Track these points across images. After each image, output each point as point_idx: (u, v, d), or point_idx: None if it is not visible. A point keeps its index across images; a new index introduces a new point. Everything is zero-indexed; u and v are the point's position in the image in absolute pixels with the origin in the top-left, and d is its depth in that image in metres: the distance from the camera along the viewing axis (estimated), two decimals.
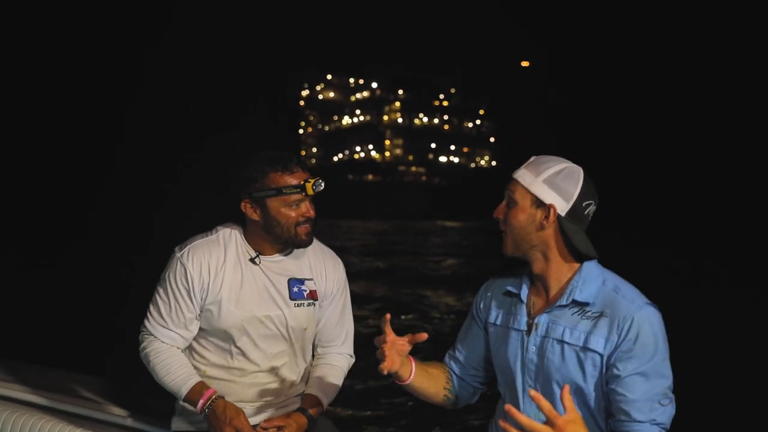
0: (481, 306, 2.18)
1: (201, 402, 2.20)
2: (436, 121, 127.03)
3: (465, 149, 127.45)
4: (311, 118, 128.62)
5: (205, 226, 2.43)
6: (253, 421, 2.26)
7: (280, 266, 2.34)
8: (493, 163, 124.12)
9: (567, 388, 1.57)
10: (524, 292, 2.04)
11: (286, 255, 2.35)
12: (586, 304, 1.91)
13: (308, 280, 2.36)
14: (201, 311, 2.30)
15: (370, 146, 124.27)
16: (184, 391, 2.23)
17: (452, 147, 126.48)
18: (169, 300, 2.28)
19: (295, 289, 2.33)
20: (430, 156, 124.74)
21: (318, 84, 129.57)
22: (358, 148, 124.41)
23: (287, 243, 2.30)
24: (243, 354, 2.31)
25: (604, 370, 1.87)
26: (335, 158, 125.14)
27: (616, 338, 1.85)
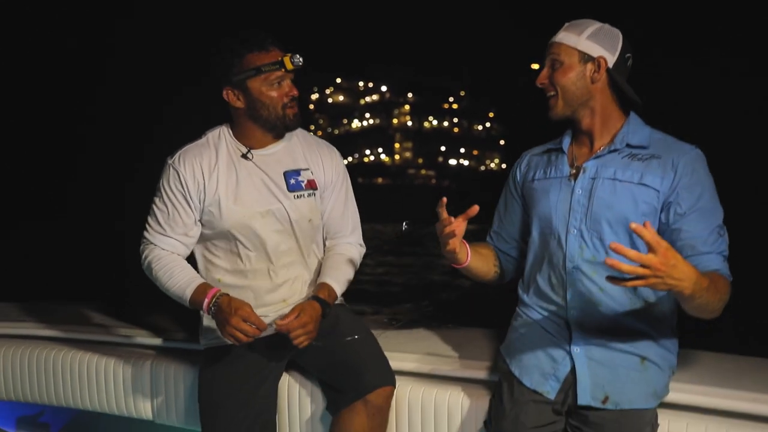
0: (518, 176, 2.21)
1: (206, 301, 2.14)
2: (445, 123, 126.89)
3: (475, 152, 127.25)
4: (321, 121, 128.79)
5: None
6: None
7: (274, 159, 2.31)
8: (503, 165, 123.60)
9: (648, 222, 1.59)
10: (565, 144, 2.09)
11: (277, 148, 2.33)
12: (641, 147, 1.97)
13: (304, 170, 2.33)
14: (202, 216, 2.27)
15: (380, 149, 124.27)
16: (188, 293, 2.18)
17: (462, 150, 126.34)
18: (166, 207, 2.26)
19: (292, 181, 2.29)
20: (440, 159, 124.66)
21: (327, 87, 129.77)
22: (367, 152, 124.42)
23: (275, 126, 2.27)
24: (252, 253, 2.29)
25: (660, 210, 1.92)
26: (345, 161, 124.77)
27: (672, 175, 1.90)
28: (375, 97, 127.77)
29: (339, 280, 2.35)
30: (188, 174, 2.25)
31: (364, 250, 2.50)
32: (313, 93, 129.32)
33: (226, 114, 2.32)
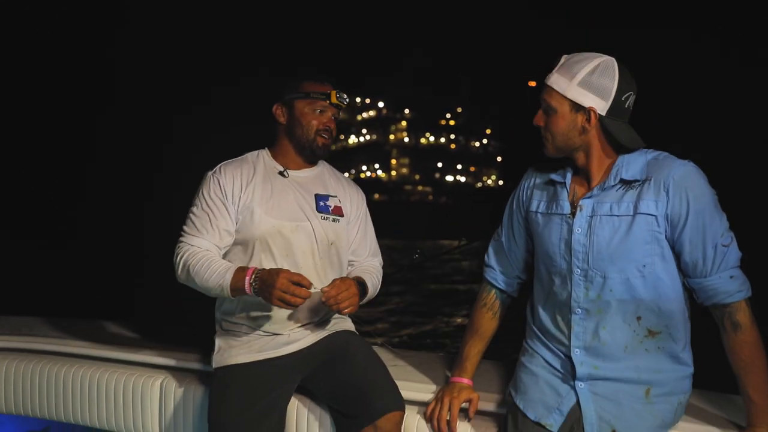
0: (524, 197, 2.18)
1: (247, 279, 2.16)
2: (442, 140, 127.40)
3: (472, 168, 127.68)
4: None
5: None
6: (291, 348, 2.34)
7: (307, 180, 2.47)
8: (500, 182, 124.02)
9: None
10: (568, 180, 2.05)
11: (311, 173, 2.50)
12: (635, 180, 1.93)
13: (332, 197, 2.48)
14: (236, 223, 2.36)
15: (377, 165, 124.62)
16: (228, 277, 2.19)
17: (459, 166, 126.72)
18: (205, 213, 2.35)
19: (321, 204, 2.44)
20: (437, 175, 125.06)
21: None
22: (364, 168, 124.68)
23: (304, 148, 2.44)
24: (275, 266, 2.32)
25: (662, 231, 1.90)
26: None
27: (665, 197, 1.87)
28: (372, 113, 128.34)
29: (369, 280, 2.42)
30: (228, 182, 2.38)
31: (381, 269, 2.61)
32: None
33: (267, 137, 2.52)
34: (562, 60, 1.97)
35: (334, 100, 2.43)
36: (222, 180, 2.37)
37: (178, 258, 2.31)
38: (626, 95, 1.93)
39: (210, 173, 2.41)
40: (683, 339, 1.97)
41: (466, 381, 2.24)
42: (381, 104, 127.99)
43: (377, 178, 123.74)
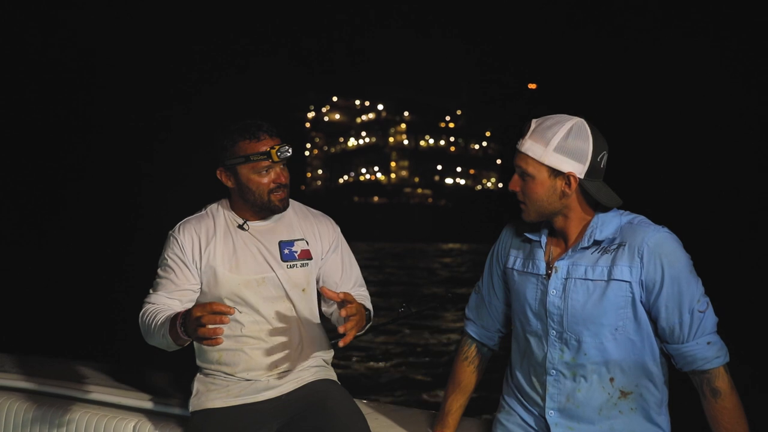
0: (501, 253, 2.19)
1: (178, 326, 2.03)
2: (442, 142, 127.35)
3: (471, 171, 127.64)
4: (317, 140, 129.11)
5: None
6: (269, 394, 2.31)
7: (268, 230, 2.38)
8: (500, 185, 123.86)
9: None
10: (543, 240, 2.05)
11: (272, 220, 2.40)
12: (608, 242, 1.93)
13: (298, 240, 2.39)
14: (201, 283, 2.33)
15: (376, 168, 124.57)
16: (167, 328, 2.09)
17: (458, 169, 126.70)
18: (166, 273, 2.32)
19: (286, 251, 2.36)
20: (436, 178, 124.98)
21: (324, 106, 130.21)
22: (363, 170, 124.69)
23: (261, 209, 2.34)
24: (246, 319, 2.32)
25: (637, 297, 1.89)
26: (341, 180, 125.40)
27: (639, 263, 1.87)
28: (371, 115, 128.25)
29: (368, 310, 2.35)
30: (186, 242, 2.33)
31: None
32: (310, 111, 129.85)
33: (224, 191, 2.43)
34: (533, 125, 1.94)
35: (275, 158, 2.27)
36: (180, 239, 2.33)
37: (139, 320, 2.25)
38: (601, 155, 1.93)
39: (171, 233, 2.38)
40: (658, 401, 1.97)
41: None
42: (380, 107, 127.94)
43: (377, 180, 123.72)
